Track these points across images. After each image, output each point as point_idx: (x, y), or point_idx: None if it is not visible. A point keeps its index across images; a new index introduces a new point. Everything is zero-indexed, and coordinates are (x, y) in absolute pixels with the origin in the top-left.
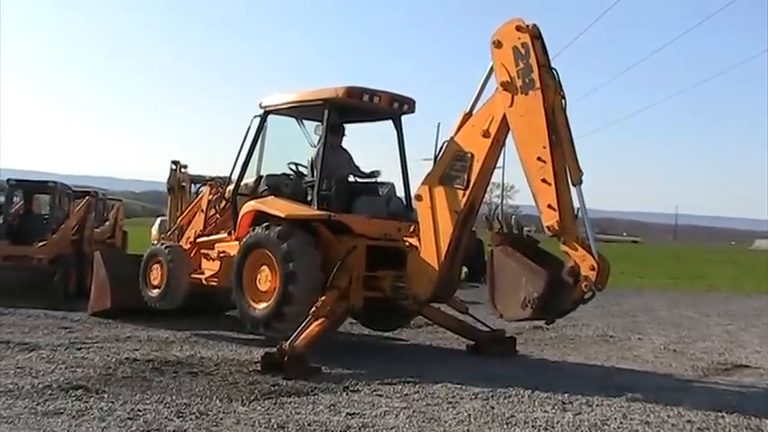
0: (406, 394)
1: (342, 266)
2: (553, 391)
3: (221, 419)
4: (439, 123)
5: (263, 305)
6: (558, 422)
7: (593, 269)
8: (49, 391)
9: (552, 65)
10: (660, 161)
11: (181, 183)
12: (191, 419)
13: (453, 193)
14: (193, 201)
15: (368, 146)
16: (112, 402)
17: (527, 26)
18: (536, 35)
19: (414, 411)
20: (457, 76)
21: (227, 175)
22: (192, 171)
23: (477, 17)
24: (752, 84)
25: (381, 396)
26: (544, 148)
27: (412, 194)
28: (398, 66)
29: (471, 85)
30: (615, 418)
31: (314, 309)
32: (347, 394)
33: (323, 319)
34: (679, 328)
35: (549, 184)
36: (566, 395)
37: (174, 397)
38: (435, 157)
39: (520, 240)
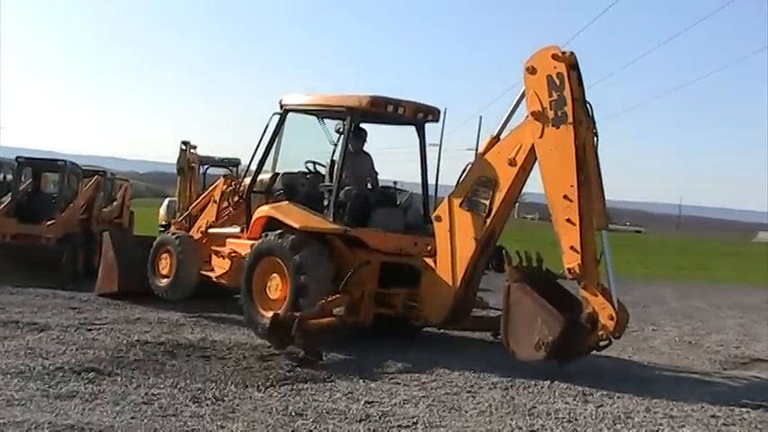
0: (424, 382)
1: (354, 274)
2: (572, 381)
3: (237, 405)
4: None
5: (272, 314)
6: (580, 414)
7: (611, 318)
8: (61, 374)
9: (587, 98)
10: (665, 151)
11: (191, 163)
12: (206, 405)
13: (474, 218)
14: (202, 184)
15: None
16: (126, 386)
17: (564, 54)
18: (573, 65)
19: (433, 400)
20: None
21: (236, 157)
22: (200, 152)
23: None
24: (757, 77)
25: (399, 384)
26: (572, 186)
27: (430, 204)
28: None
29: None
30: (638, 411)
31: (322, 301)
32: (364, 382)
33: (331, 319)
34: (692, 320)
35: (574, 225)
36: (586, 386)
37: (188, 381)
38: (458, 179)
39: (538, 275)
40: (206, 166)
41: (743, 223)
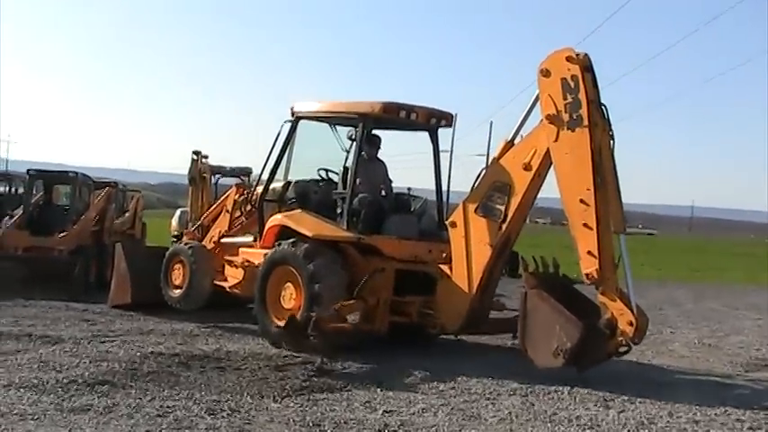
0: (442, 390)
1: (369, 281)
2: (593, 387)
3: (254, 417)
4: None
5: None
6: (602, 420)
7: (631, 324)
8: (75, 386)
9: (602, 101)
10: (676, 154)
11: (202, 173)
12: (222, 417)
13: (489, 224)
14: (214, 194)
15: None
16: (140, 398)
17: (578, 56)
18: (587, 67)
19: (452, 408)
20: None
21: (248, 166)
22: (211, 162)
23: None
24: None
25: (417, 392)
26: (588, 190)
27: (445, 211)
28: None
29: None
30: (661, 417)
31: (338, 304)
32: (381, 390)
33: (347, 324)
34: (709, 322)
35: (591, 229)
36: (606, 392)
37: (203, 393)
38: (473, 184)
39: (554, 281)
40: (218, 176)
41: (756, 224)
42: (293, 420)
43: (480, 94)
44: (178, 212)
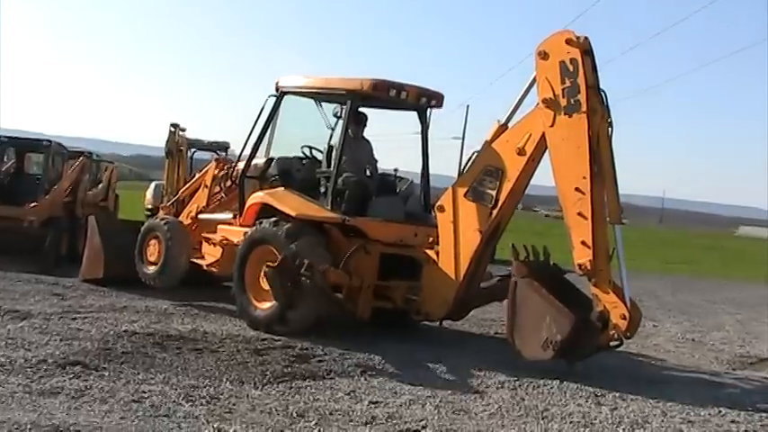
0: (429, 381)
1: (352, 256)
2: (582, 382)
3: (234, 405)
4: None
5: (266, 305)
6: (595, 417)
7: (624, 318)
8: (45, 367)
9: (601, 86)
10: (649, 144)
11: (179, 147)
12: (201, 404)
13: (480, 210)
14: (190, 168)
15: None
16: (114, 381)
17: (578, 39)
18: (587, 51)
19: (440, 401)
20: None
21: (225, 141)
22: (188, 135)
23: None
24: (741, 74)
25: (403, 382)
26: (584, 178)
27: (432, 193)
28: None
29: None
30: (655, 415)
31: (326, 266)
32: (366, 379)
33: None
34: (690, 316)
35: (586, 219)
36: (597, 387)
37: (180, 377)
38: (462, 168)
39: (545, 270)
40: (193, 150)
41: (725, 217)
42: (275, 410)
43: (457, 76)
44: (153, 186)
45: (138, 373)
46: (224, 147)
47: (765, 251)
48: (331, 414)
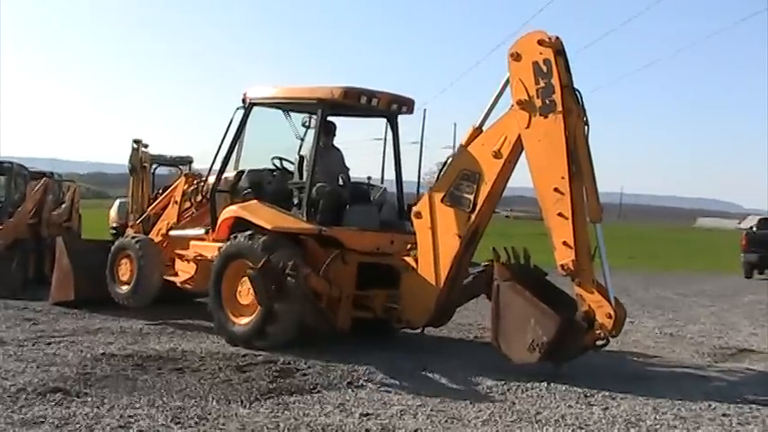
0: (417, 390)
1: (332, 263)
2: (569, 383)
3: (224, 425)
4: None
5: (244, 320)
6: (589, 419)
7: (609, 317)
8: (24, 396)
9: (575, 85)
10: (605, 140)
11: (143, 163)
12: (190, 426)
13: (457, 214)
14: (152, 183)
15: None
16: (98, 407)
17: (550, 39)
18: (559, 50)
19: (431, 410)
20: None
21: (188, 155)
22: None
23: None
24: (695, 66)
25: (390, 392)
26: (563, 178)
27: (405, 200)
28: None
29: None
30: (647, 413)
31: (308, 271)
32: (353, 391)
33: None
34: (664, 310)
35: (566, 219)
36: (585, 388)
37: (165, 399)
38: (438, 172)
39: (526, 272)
40: (155, 166)
41: (683, 210)
42: (267, 428)
43: (414, 80)
44: (117, 203)
45: (122, 398)
46: (187, 161)
47: (723, 242)
48: (323, 429)
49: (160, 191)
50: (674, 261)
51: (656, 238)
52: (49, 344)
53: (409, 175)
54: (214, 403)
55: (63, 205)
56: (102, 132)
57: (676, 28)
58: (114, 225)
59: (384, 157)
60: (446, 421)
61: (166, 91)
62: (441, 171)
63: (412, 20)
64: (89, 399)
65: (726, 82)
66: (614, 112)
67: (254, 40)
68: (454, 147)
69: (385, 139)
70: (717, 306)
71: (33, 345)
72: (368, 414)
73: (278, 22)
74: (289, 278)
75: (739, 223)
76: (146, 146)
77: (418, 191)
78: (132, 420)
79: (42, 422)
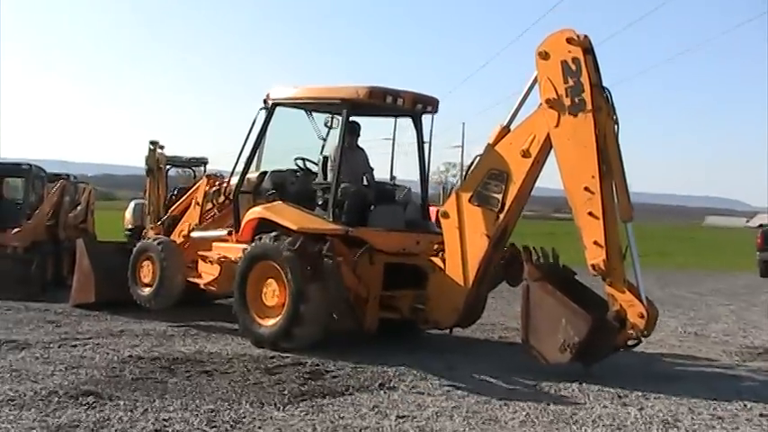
0: (449, 391)
1: (362, 256)
2: (601, 383)
3: (260, 428)
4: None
5: (270, 322)
6: (625, 419)
7: (641, 316)
8: (57, 399)
9: (604, 84)
10: None
11: (159, 164)
12: (226, 429)
13: (485, 214)
14: (169, 183)
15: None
16: (131, 411)
17: (578, 38)
18: (587, 49)
19: (467, 411)
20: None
21: (203, 157)
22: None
23: None
24: (699, 66)
25: (423, 394)
26: (593, 177)
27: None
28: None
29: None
30: (683, 413)
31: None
32: (385, 392)
33: None
34: (684, 309)
35: (597, 219)
36: (617, 388)
37: (197, 402)
38: (466, 172)
39: (557, 272)
40: (168, 167)
41: (690, 208)
42: (304, 431)
43: (422, 79)
44: (132, 204)
45: (154, 401)
46: (202, 163)
47: (735, 240)
48: None
49: (175, 192)
50: (686, 259)
51: (665, 236)
52: (75, 346)
53: (412, 176)
54: (247, 406)
55: (79, 207)
56: (110, 134)
57: (685, 27)
58: (130, 227)
59: (393, 157)
60: (483, 423)
61: (175, 94)
62: (467, 171)
63: (420, 19)
64: (121, 402)
65: (731, 81)
66: (620, 110)
67: (260, 40)
68: (463, 146)
69: (393, 139)
70: (735, 305)
71: (59, 347)
72: (404, 416)
73: (283, 19)
74: (325, 259)
75: (748, 221)
76: (162, 147)
77: (427, 190)
78: (167, 424)
79: (77, 426)
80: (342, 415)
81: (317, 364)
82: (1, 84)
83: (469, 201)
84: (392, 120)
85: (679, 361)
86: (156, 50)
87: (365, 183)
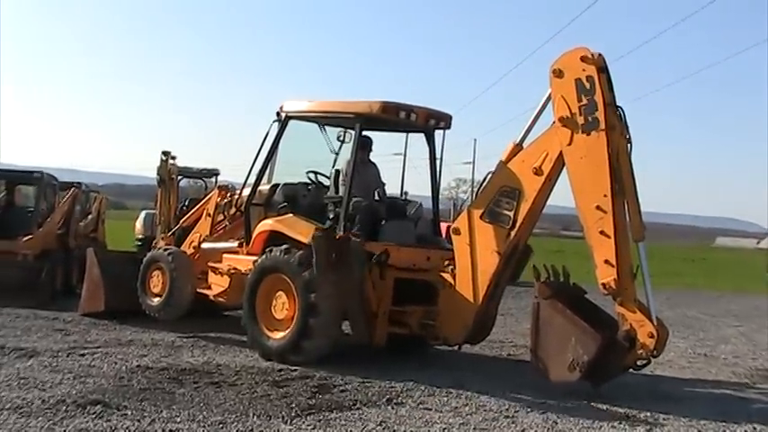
0: (456, 407)
1: (380, 258)
2: (609, 402)
3: None
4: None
5: (279, 335)
6: None
7: (651, 337)
8: (64, 407)
9: (618, 102)
10: None
11: (171, 174)
12: None
13: (497, 231)
14: (180, 194)
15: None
16: (138, 421)
17: (593, 56)
18: (602, 67)
19: (473, 428)
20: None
21: (215, 168)
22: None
23: None
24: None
25: (430, 410)
26: (605, 196)
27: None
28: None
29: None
30: None
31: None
32: (392, 408)
33: None
34: (694, 330)
35: (609, 237)
36: (625, 408)
37: (205, 413)
38: (477, 189)
39: (567, 290)
40: (179, 178)
41: (700, 229)
42: None
43: (433, 96)
44: (143, 215)
45: (162, 411)
46: (214, 174)
47: (745, 261)
48: None
49: (186, 202)
50: (696, 280)
51: (675, 257)
52: (83, 355)
53: (423, 191)
54: (255, 419)
55: (90, 216)
56: (120, 144)
57: (697, 47)
58: (140, 236)
59: (404, 173)
60: None
61: (182, 106)
62: (479, 187)
63: (432, 35)
64: (128, 411)
65: (743, 100)
66: (631, 129)
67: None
68: (474, 162)
69: (405, 154)
70: (745, 326)
71: (67, 356)
72: None
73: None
74: (353, 238)
75: (758, 243)
76: (174, 158)
77: (438, 206)
78: None
79: None
80: (349, 429)
81: (325, 378)
82: (6, 89)
83: (481, 217)
84: (402, 135)
85: (688, 382)
86: (168, 60)
87: (377, 197)
